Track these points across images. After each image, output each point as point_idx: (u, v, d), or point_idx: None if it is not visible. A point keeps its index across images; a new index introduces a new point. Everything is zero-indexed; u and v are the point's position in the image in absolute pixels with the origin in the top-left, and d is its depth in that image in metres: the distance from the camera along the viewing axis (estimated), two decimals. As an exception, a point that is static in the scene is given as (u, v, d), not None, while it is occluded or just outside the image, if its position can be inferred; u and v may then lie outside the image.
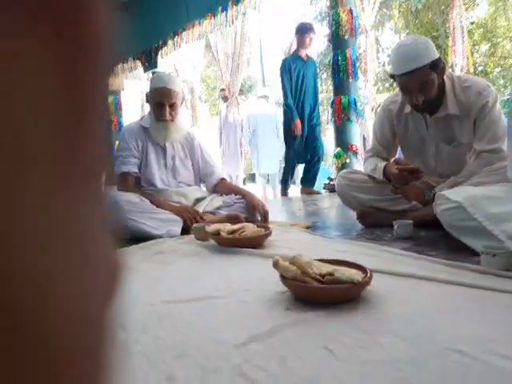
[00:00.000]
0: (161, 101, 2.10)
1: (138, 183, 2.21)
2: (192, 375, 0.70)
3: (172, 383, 0.68)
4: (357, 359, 0.73)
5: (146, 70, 6.69)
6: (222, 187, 2.34)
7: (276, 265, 1.03)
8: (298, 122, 3.73)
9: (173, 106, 2.12)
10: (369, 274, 1.01)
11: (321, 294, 0.96)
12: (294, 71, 3.81)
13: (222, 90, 6.30)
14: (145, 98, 2.28)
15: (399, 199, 1.82)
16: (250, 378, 0.68)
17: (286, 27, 6.96)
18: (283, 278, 1.03)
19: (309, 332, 0.85)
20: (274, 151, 5.14)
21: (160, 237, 1.86)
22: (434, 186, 1.73)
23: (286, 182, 4.00)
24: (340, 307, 0.94)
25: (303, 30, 3.86)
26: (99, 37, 0.11)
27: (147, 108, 2.42)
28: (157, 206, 1.99)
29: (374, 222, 1.86)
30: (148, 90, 2.20)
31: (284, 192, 3.99)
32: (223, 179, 2.39)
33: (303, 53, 3.89)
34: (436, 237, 1.57)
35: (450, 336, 0.79)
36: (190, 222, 1.94)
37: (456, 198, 1.30)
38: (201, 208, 2.19)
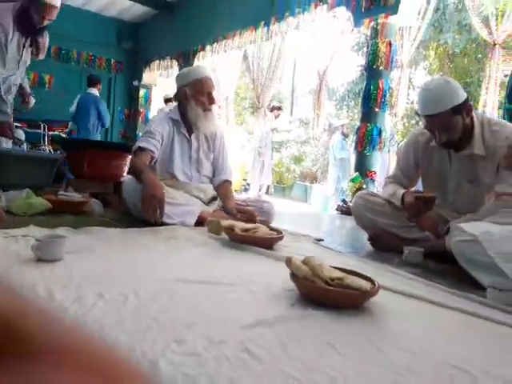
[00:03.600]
0: (210, 90, 2.17)
1: (154, 166, 2.17)
2: (199, 343, 0.73)
3: (180, 346, 0.71)
4: (358, 358, 0.75)
5: (181, 69, 6.87)
6: (221, 189, 2.26)
7: (289, 262, 1.06)
8: None
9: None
10: (376, 286, 1.03)
11: (329, 296, 0.98)
12: None
13: (277, 108, 6.36)
14: (179, 92, 2.22)
15: (413, 227, 1.84)
16: (253, 354, 0.71)
17: (321, 52, 7.05)
18: (293, 276, 1.06)
19: (312, 327, 0.87)
20: None
21: (174, 225, 1.90)
22: (449, 220, 1.75)
23: None
24: (345, 312, 0.96)
25: None
26: None
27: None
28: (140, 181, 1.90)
29: (384, 246, 1.87)
30: (184, 83, 2.18)
31: None
32: (227, 181, 2.30)
33: None
34: (444, 268, 1.58)
35: (447, 353, 0.80)
36: (149, 215, 1.81)
37: (472, 231, 1.32)
38: (215, 206, 2.23)
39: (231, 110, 7.41)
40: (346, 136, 6.08)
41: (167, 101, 6.05)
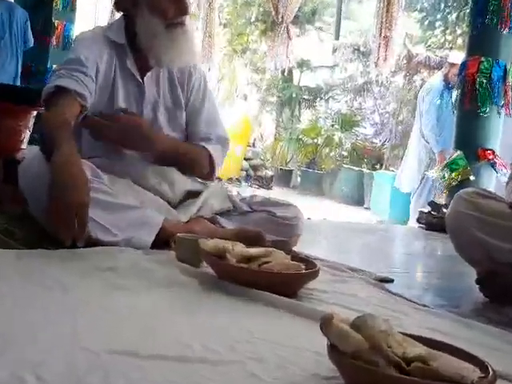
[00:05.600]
0: None
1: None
2: None
3: None
4: None
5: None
6: None
7: (327, 324, 1.06)
8: None
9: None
10: (491, 375, 1.03)
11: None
12: None
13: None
14: None
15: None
16: None
17: None
18: (335, 350, 1.06)
19: None
20: None
21: (115, 245, 1.92)
22: None
23: None
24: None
25: None
26: None
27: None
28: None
29: (506, 293, 1.88)
30: None
31: None
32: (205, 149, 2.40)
33: None
34: None
35: None
36: (61, 231, 1.79)
37: None
38: (192, 210, 2.25)
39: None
40: (451, 86, 5.87)
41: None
